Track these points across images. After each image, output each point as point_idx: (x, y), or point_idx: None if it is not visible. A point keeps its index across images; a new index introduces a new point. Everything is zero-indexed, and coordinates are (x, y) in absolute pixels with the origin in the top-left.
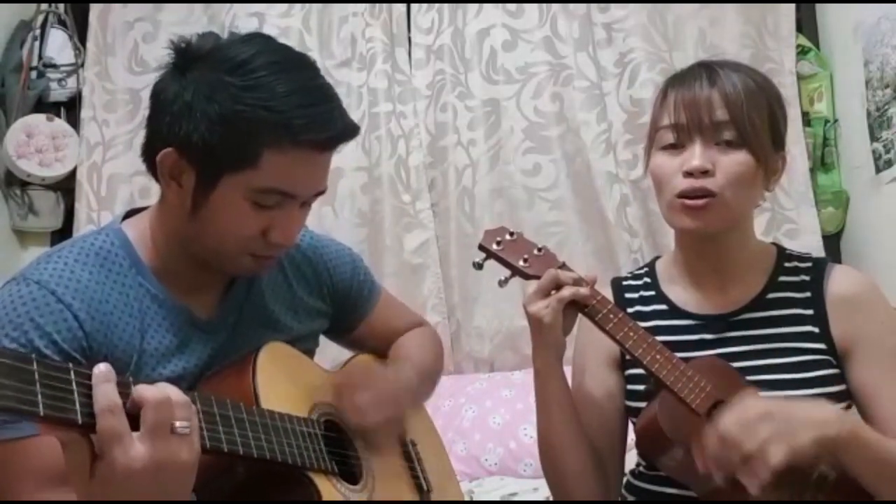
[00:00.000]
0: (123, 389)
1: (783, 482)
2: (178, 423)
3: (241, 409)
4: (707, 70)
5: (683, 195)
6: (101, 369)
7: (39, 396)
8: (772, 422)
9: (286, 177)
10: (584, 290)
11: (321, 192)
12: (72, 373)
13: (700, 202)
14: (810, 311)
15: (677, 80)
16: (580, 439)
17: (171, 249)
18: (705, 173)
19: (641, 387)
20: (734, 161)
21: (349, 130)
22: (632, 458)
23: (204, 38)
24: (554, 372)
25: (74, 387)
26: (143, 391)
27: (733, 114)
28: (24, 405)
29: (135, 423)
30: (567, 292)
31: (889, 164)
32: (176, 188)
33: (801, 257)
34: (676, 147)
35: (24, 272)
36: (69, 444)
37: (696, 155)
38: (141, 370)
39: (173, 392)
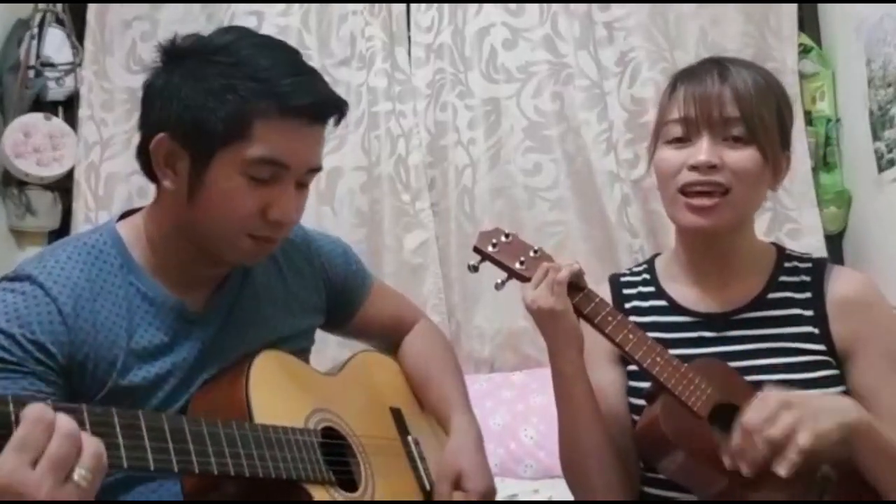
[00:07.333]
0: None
1: (787, 483)
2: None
3: (231, 426)
4: (718, 66)
5: (688, 189)
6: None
7: None
8: (792, 409)
9: (278, 146)
10: (577, 268)
11: (316, 170)
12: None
13: (708, 202)
14: (810, 312)
15: (687, 75)
16: (607, 442)
17: (166, 245)
18: (712, 168)
19: (643, 384)
20: (742, 157)
21: (334, 100)
22: None
23: (187, 37)
24: (580, 372)
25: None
26: (62, 423)
27: (744, 110)
28: None
29: None
30: (565, 272)
31: (891, 163)
32: (172, 176)
33: (801, 258)
34: (683, 141)
35: (20, 267)
36: None
37: (703, 149)
38: (129, 370)
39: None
